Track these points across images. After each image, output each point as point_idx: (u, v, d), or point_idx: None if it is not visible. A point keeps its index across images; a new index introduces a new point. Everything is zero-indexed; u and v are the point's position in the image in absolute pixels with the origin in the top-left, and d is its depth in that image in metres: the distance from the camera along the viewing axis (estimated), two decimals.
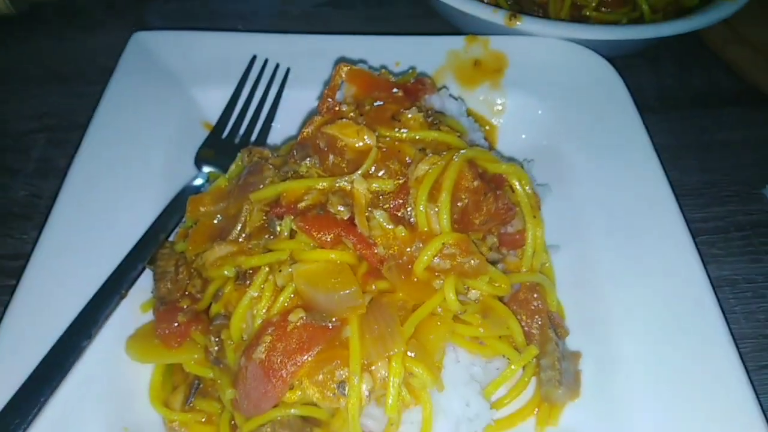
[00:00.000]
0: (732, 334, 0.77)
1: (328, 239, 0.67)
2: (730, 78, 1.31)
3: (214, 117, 1.03)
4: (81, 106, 1.21)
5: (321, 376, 0.61)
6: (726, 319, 0.79)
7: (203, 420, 0.74)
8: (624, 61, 1.29)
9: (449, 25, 1.28)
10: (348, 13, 1.45)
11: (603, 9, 1.23)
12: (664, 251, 0.83)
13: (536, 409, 0.76)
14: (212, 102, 1.04)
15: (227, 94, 1.04)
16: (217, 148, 0.98)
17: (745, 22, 1.31)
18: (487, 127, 1.03)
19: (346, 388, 0.61)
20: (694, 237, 0.86)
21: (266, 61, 1.06)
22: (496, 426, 0.73)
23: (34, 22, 1.37)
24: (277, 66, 1.06)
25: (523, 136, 1.02)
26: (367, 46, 1.06)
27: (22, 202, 1.07)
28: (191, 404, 0.74)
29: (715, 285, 0.96)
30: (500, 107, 1.06)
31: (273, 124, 1.02)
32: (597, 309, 0.81)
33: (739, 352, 0.75)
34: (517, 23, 1.09)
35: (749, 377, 0.73)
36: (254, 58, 1.07)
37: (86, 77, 1.27)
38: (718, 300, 0.79)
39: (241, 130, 1.01)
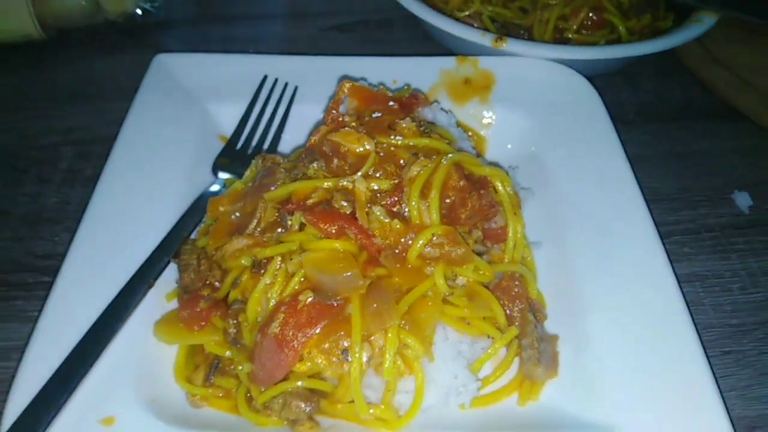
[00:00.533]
0: (694, 321, 0.83)
1: (333, 230, 0.76)
2: (704, 94, 1.40)
3: (229, 130, 1.13)
4: (104, 122, 1.30)
5: (327, 345, 0.70)
6: (691, 309, 0.85)
7: (221, 395, 0.81)
8: (606, 79, 1.40)
9: (442, 47, 1.39)
10: (350, 37, 1.56)
11: (583, 32, 1.34)
12: (632, 247, 0.90)
13: (519, 387, 0.85)
14: (227, 117, 1.13)
15: (241, 110, 1.14)
16: (232, 157, 1.08)
17: (718, 43, 1.42)
18: (476, 138, 1.13)
19: (349, 356, 0.70)
20: (662, 237, 0.94)
21: (276, 80, 1.16)
22: (482, 400, 0.82)
23: (61, 46, 1.47)
24: (286, 84, 1.16)
25: (509, 146, 1.11)
26: (367, 66, 1.16)
27: (53, 208, 1.14)
28: (211, 381, 0.81)
29: (686, 280, 1.06)
30: (488, 120, 1.15)
31: (282, 135, 1.12)
32: (573, 298, 0.88)
33: (701, 338, 0.82)
34: (503, 45, 1.20)
35: (708, 358, 0.80)
36: (265, 77, 1.17)
37: (108, 96, 1.36)
38: (682, 292, 0.86)
39: (254, 142, 1.11)
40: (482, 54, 1.20)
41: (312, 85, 1.15)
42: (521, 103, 1.14)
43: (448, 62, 1.18)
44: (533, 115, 1.13)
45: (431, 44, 1.42)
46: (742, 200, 1.18)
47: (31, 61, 1.44)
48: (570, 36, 1.33)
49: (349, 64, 1.16)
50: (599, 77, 1.34)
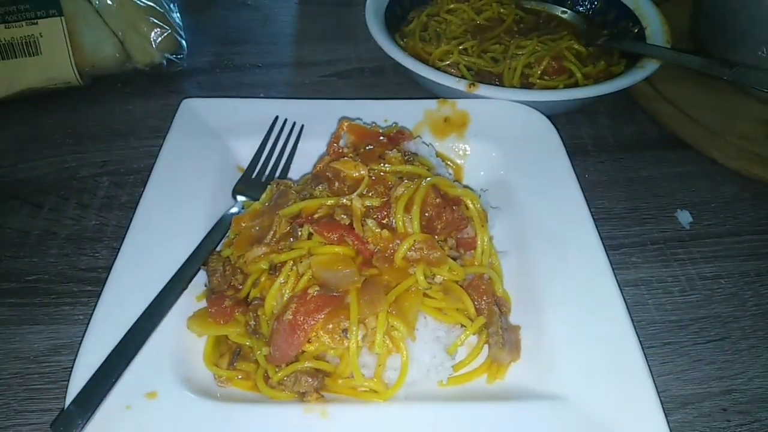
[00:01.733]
0: (633, 317, 0.98)
1: (335, 238, 0.93)
2: (654, 128, 1.58)
3: (246, 162, 1.30)
4: (136, 156, 1.49)
5: (331, 326, 0.88)
6: (637, 308, 1.05)
7: (242, 377, 0.92)
8: (567, 117, 1.61)
9: (426, 91, 1.60)
10: (348, 82, 1.74)
11: (546, 77, 1.56)
12: (581, 255, 1.06)
13: (488, 369, 1.01)
14: (244, 151, 1.31)
15: (256, 145, 1.32)
16: (248, 184, 1.26)
17: (666, 84, 1.65)
18: (455, 167, 1.34)
19: (348, 334, 0.88)
20: (612, 248, 1.11)
21: (285, 120, 1.35)
22: (457, 379, 0.99)
23: (96, 91, 1.65)
24: (294, 123, 1.34)
25: (482, 173, 1.28)
26: (362, 107, 1.33)
27: (93, 229, 1.30)
28: (234, 365, 0.93)
29: (633, 284, 1.23)
30: (464, 152, 1.33)
31: (291, 166, 1.30)
32: (533, 296, 1.03)
33: (636, 328, 0.97)
34: (476, 90, 1.41)
35: (640, 342, 0.96)
36: (276, 117, 1.38)
37: (139, 134, 1.55)
38: (622, 291, 1.02)
39: (267, 171, 1.31)
40: (459, 97, 1.38)
41: (316, 124, 1.32)
42: (492, 138, 1.31)
43: (431, 104, 1.36)
44: (502, 148, 1.30)
45: (417, 89, 1.60)
46: (684, 217, 1.37)
47: (70, 103, 1.63)
48: (534, 81, 1.55)
49: (347, 106, 1.34)
50: (561, 115, 1.56)
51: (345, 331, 0.88)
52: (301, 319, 0.88)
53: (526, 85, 1.54)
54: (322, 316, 0.84)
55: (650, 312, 1.19)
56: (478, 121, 1.36)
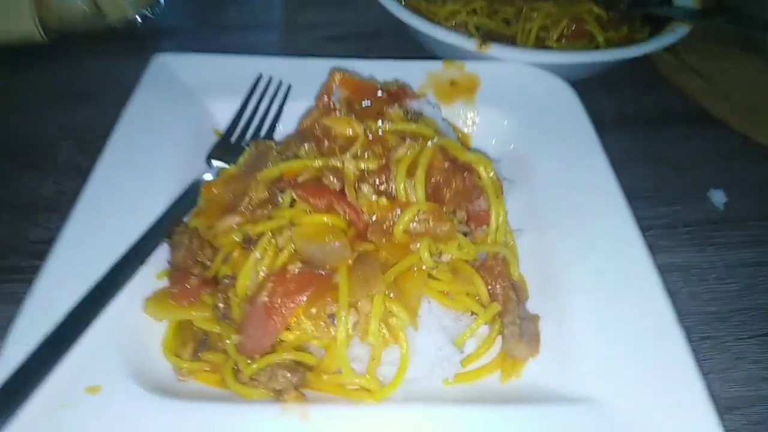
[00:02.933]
0: (677, 310, 0.85)
1: (323, 205, 0.79)
2: (680, 101, 1.46)
3: (223, 125, 1.15)
4: (104, 120, 1.29)
5: (314, 311, 0.73)
6: (673, 298, 0.88)
7: (208, 369, 0.82)
8: (585, 87, 1.45)
9: (430, 55, 1.45)
10: (344, 46, 1.59)
11: (563, 41, 1.41)
12: (610, 233, 0.93)
13: (501, 364, 0.86)
14: (223, 113, 1.16)
15: (235, 106, 1.17)
16: (226, 149, 1.11)
17: (691, 53, 1.50)
18: (461, 135, 1.18)
19: (336, 320, 0.72)
20: (643, 229, 0.98)
21: (270, 78, 1.21)
22: (466, 376, 0.84)
23: (63, 49, 1.50)
24: (280, 82, 1.20)
25: (493, 142, 1.15)
26: (358, 66, 1.19)
27: (51, 197, 1.17)
28: (199, 356, 0.83)
29: (665, 270, 1.05)
30: (473, 120, 1.19)
31: (276, 129, 1.15)
32: (554, 281, 0.90)
33: (684, 325, 0.83)
34: (488, 50, 1.26)
35: (687, 337, 0.82)
36: (260, 75, 1.22)
37: (108, 97, 1.34)
38: (660, 274, 0.89)
39: (248, 135, 1.15)
40: (468, 59, 1.25)
41: (305, 84, 1.18)
42: (505, 105, 1.19)
43: (436, 65, 1.23)
44: (516, 115, 1.17)
45: (420, 53, 1.46)
46: (718, 197, 1.23)
47: (32, 62, 1.48)
48: (551, 45, 1.39)
49: (341, 65, 1.20)
50: (578, 85, 1.39)
51: (332, 317, 0.73)
52: (279, 301, 0.72)
53: (541, 49, 1.37)
54: (304, 297, 0.71)
55: (684, 302, 1.06)
56: (488, 85, 1.22)
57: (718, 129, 1.39)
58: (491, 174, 0.92)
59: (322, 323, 0.73)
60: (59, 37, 1.50)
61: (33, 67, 1.47)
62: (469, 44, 1.26)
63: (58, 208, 1.16)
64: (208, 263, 0.88)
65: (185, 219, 0.98)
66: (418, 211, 0.80)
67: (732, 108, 1.39)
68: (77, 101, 1.40)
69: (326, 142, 0.87)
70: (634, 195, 1.22)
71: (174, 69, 1.24)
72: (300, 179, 0.83)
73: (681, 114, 1.43)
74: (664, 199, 1.23)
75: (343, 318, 0.72)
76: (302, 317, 0.74)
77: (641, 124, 1.40)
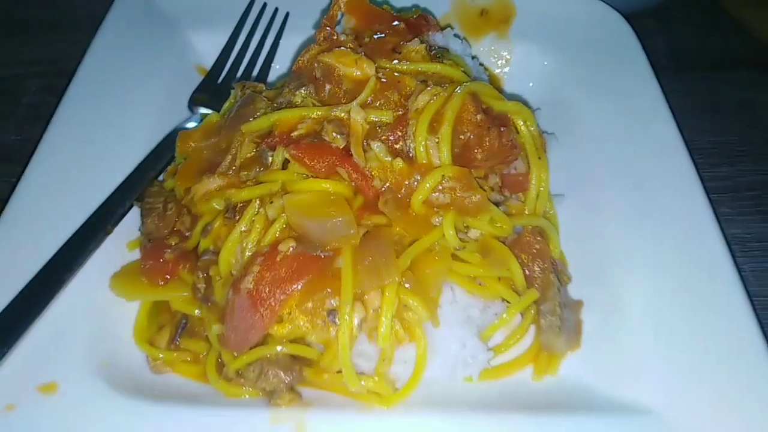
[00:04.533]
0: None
1: (323, 168, 0.64)
2: (745, 39, 1.29)
3: (209, 61, 1.01)
4: (74, 53, 1.18)
5: (311, 304, 0.59)
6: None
7: (188, 359, 0.71)
8: (636, 22, 1.26)
9: None
10: None
11: None
12: (674, 202, 0.80)
13: (535, 359, 0.73)
14: (208, 46, 1.01)
15: (224, 39, 1.01)
16: (212, 91, 0.96)
17: None
18: (491, 77, 1.00)
19: (337, 318, 0.58)
20: (707, 191, 0.83)
21: (264, 5, 1.03)
22: (492, 372, 0.71)
23: None
24: (276, 10, 1.03)
25: (531, 85, 1.00)
26: None
27: (12, 147, 1.06)
28: (177, 343, 0.72)
29: None
30: (506, 58, 1.03)
31: (271, 67, 1.00)
32: (602, 259, 0.78)
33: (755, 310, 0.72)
34: None
35: (763, 332, 0.70)
36: (252, 1, 1.04)
37: (79, 26, 1.24)
38: (733, 257, 0.76)
39: (238, 74, 0.98)
40: None
41: (305, 11, 1.02)
42: (545, 40, 1.04)
43: None
44: (559, 53, 1.02)
45: None
46: None
47: None
48: None
49: None
50: (629, 19, 1.21)
51: (332, 312, 0.58)
52: (267, 290, 0.59)
53: None
54: (298, 287, 0.56)
55: (748, 281, 0.92)
56: (526, 16, 1.06)
57: None
58: (532, 128, 0.75)
59: (320, 321, 0.59)
60: None
61: None
62: None
63: (22, 158, 1.01)
64: (187, 234, 0.74)
65: (161, 178, 0.83)
66: (443, 176, 0.66)
67: None
68: (44, 32, 1.27)
69: (328, 86, 0.70)
70: (691, 151, 1.07)
71: None
72: (295, 134, 0.67)
73: (747, 55, 1.27)
74: (726, 157, 1.09)
75: (346, 315, 0.58)
76: (296, 311, 0.59)
77: (701, 67, 1.24)
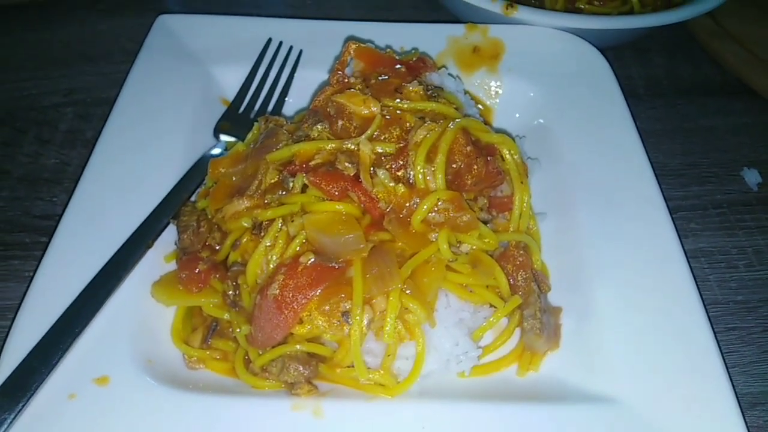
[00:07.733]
0: (703, 299, 0.82)
1: (336, 192, 0.74)
2: (716, 70, 1.37)
3: (231, 93, 1.10)
4: (106, 83, 1.29)
5: (328, 307, 0.69)
6: (699, 286, 0.84)
7: (218, 357, 0.80)
8: (615, 52, 1.36)
9: (451, 16, 1.36)
10: (357, 3, 1.51)
11: (595, 3, 1.30)
12: (641, 221, 0.89)
13: (519, 357, 0.83)
14: (230, 80, 1.10)
15: (244, 73, 1.10)
16: (234, 120, 1.05)
17: (729, 17, 1.38)
18: (483, 108, 1.10)
19: (350, 318, 0.69)
20: (671, 210, 0.93)
21: (281, 43, 1.13)
22: (482, 369, 0.81)
23: (63, 7, 1.44)
24: (291, 47, 1.13)
25: (517, 115, 1.08)
26: (374, 31, 1.13)
27: (52, 169, 1.13)
28: (209, 343, 0.81)
29: (692, 256, 1.03)
30: (496, 90, 1.12)
31: (286, 99, 1.09)
32: (578, 271, 0.86)
33: (709, 315, 0.80)
34: (514, 13, 1.16)
35: (714, 332, 0.78)
36: (269, 40, 1.14)
37: (111, 58, 1.35)
38: (690, 266, 0.85)
39: (257, 105, 1.08)
40: (492, 22, 1.16)
41: (317, 49, 1.11)
42: (531, 73, 1.11)
43: (457, 30, 1.15)
44: (543, 85, 1.10)
45: (440, 14, 1.39)
46: (751, 177, 1.17)
47: (32, 22, 1.42)
48: (581, 6, 1.30)
49: (356, 29, 1.13)
50: (608, 51, 1.30)
51: (346, 314, 0.69)
52: (290, 295, 0.69)
53: (571, 11, 1.29)
54: (317, 293, 0.67)
55: (712, 290, 1.02)
56: (514, 52, 1.14)
57: (756, 102, 1.30)
58: (516, 157, 0.86)
59: (335, 321, 0.69)
60: None
61: (32, 27, 1.41)
62: (494, 6, 1.17)
63: (61, 180, 1.13)
64: (217, 247, 0.84)
65: (194, 199, 0.93)
66: (438, 199, 0.76)
67: None
68: (79, 64, 1.35)
69: (340, 122, 0.81)
70: (663, 172, 1.18)
71: (179, 31, 1.17)
72: (312, 163, 0.78)
73: (717, 84, 1.35)
74: (695, 177, 1.18)
75: (357, 316, 0.69)
76: (315, 313, 0.70)
77: (674, 94, 1.32)
